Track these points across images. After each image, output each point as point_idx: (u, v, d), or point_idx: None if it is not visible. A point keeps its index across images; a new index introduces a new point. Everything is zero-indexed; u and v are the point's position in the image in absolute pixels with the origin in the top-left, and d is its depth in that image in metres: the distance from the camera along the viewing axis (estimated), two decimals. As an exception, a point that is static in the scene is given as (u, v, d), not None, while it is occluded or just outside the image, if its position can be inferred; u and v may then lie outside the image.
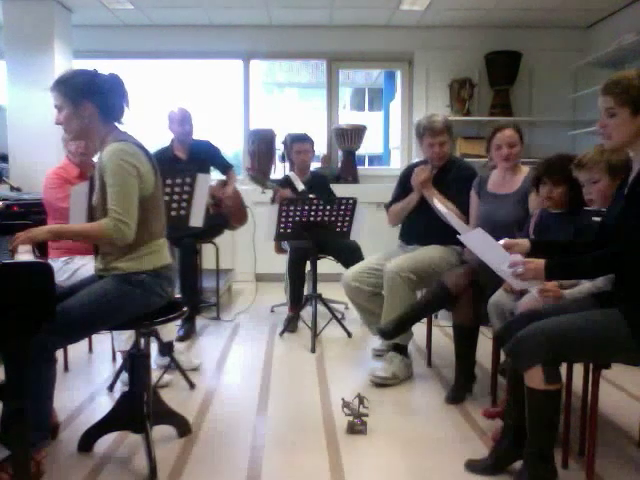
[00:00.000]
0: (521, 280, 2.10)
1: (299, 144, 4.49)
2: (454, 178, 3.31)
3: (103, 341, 3.50)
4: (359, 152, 6.11)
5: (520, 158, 3.07)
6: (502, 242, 2.16)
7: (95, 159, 3.29)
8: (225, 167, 4.46)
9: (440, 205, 2.71)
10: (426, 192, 3.27)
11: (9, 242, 2.09)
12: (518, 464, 2.08)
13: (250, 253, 4.95)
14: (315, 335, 3.68)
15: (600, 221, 2.20)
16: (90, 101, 2.13)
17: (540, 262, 2.01)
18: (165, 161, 3.80)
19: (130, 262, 2.14)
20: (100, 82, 2.15)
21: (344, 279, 3.41)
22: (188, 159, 4.22)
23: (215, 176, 4.59)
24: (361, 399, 2.53)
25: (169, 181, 3.36)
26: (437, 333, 3.90)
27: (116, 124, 2.22)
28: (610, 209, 2.09)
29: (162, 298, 2.22)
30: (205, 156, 4.30)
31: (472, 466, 2.18)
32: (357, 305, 3.45)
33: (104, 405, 2.75)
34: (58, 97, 2.16)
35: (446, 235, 2.86)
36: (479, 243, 2.32)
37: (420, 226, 3.30)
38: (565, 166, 2.37)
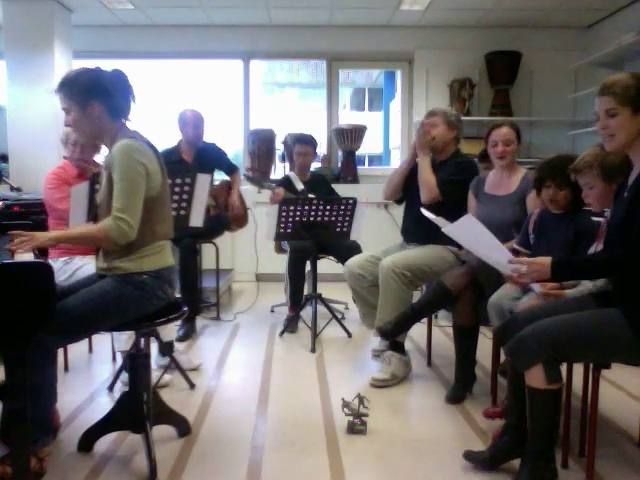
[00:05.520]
0: (524, 280, 2.09)
1: (300, 146, 4.49)
2: (449, 165, 3.33)
3: (103, 341, 3.50)
4: (359, 152, 6.11)
5: (515, 157, 3.06)
6: (525, 265, 2.05)
7: (96, 158, 3.29)
8: (230, 169, 4.46)
9: (427, 212, 2.75)
10: (420, 154, 3.31)
11: (12, 238, 2.06)
12: (516, 463, 2.08)
13: (250, 253, 4.95)
14: (315, 335, 3.67)
15: (607, 225, 2.18)
16: (97, 101, 2.09)
17: (545, 262, 2.00)
18: (171, 163, 3.79)
19: (132, 262, 2.12)
20: (104, 80, 2.11)
21: (348, 266, 3.41)
22: (194, 162, 4.22)
23: (218, 176, 4.59)
24: (361, 399, 2.53)
25: (169, 181, 3.35)
26: (437, 333, 3.90)
27: (124, 121, 2.19)
28: (614, 212, 2.08)
29: (162, 300, 2.20)
30: (211, 159, 4.29)
31: (469, 456, 2.19)
32: (357, 294, 3.43)
33: (104, 405, 2.75)
34: (64, 100, 2.12)
35: (444, 235, 2.86)
36: (466, 233, 2.31)
37: (419, 225, 3.29)
38: (568, 168, 2.37)
